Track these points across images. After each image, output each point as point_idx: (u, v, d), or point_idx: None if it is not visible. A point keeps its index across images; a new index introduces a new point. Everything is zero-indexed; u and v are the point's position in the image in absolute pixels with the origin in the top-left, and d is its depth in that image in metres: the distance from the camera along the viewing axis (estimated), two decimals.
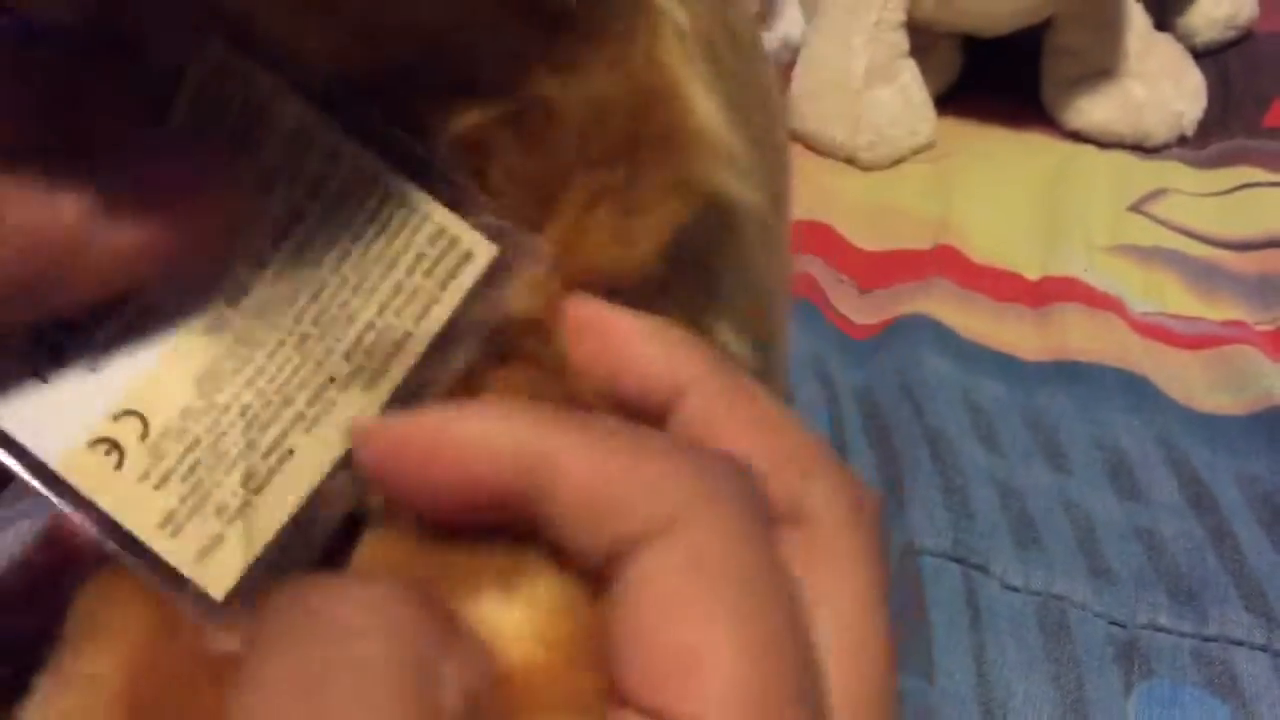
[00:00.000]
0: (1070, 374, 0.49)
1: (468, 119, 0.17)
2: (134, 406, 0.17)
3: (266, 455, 0.17)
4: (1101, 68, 0.73)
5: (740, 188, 0.18)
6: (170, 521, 0.17)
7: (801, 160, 0.71)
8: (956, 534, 0.40)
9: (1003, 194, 0.65)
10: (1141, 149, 0.70)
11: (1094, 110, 0.72)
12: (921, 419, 0.46)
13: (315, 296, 0.18)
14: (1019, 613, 0.38)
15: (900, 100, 0.72)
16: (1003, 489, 0.43)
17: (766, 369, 0.22)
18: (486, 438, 0.17)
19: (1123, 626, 0.37)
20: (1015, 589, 0.38)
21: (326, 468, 0.17)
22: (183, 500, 0.17)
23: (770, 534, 0.17)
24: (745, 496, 0.17)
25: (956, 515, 0.41)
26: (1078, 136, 0.72)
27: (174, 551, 0.17)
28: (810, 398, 0.49)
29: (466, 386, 0.18)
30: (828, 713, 0.17)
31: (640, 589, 0.17)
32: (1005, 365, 0.50)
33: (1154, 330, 0.52)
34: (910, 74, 0.73)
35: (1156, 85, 0.72)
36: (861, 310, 0.57)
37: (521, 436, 0.17)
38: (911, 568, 0.39)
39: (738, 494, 0.17)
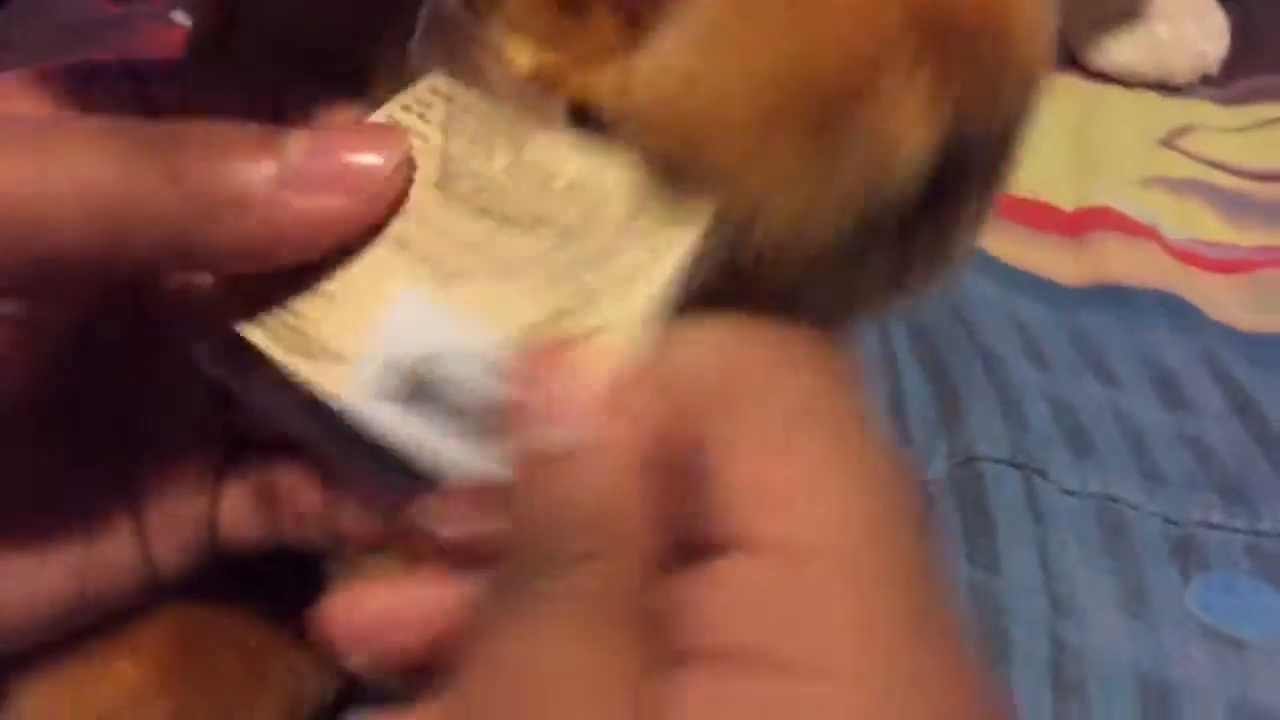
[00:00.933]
0: (1112, 296, 0.50)
1: None
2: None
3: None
4: (1125, 9, 0.74)
5: None
6: None
7: None
8: (1014, 442, 0.41)
9: (1032, 131, 0.66)
10: (1166, 88, 0.71)
11: (1118, 51, 0.73)
12: (974, 339, 0.47)
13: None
14: (1077, 513, 0.39)
15: None
16: (1054, 402, 0.44)
17: None
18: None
19: (1177, 524, 0.39)
20: (1072, 493, 0.40)
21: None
22: None
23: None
24: (833, 363, 0.19)
25: (1013, 426, 0.42)
26: (1102, 77, 0.73)
27: None
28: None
29: None
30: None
31: (737, 434, 0.17)
32: (1046, 289, 0.51)
33: (1189, 256, 0.53)
34: None
35: (1180, 25, 0.73)
36: None
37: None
38: (972, 474, 0.40)
39: (824, 364, 0.19)
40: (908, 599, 0.16)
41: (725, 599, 0.17)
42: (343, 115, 0.23)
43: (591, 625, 0.17)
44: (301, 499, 0.25)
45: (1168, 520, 0.39)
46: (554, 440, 0.17)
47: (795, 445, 0.17)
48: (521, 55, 0.20)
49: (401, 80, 0.22)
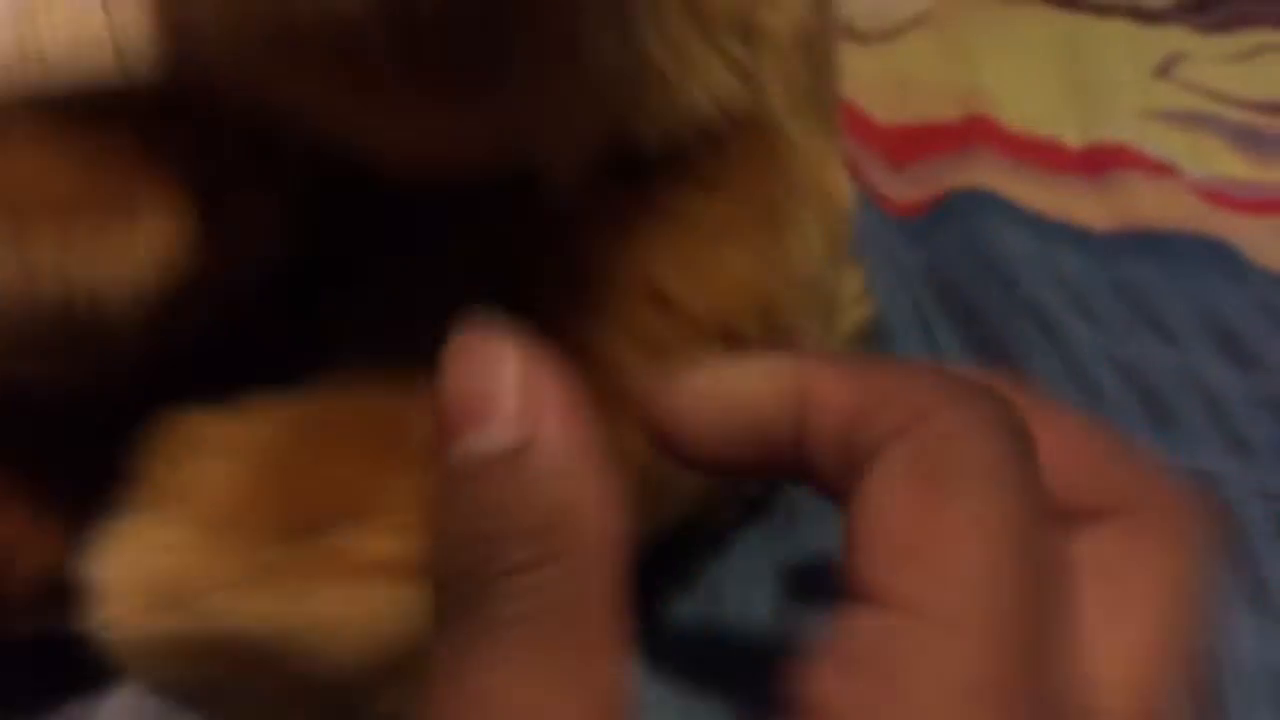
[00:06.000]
0: (1149, 242, 0.46)
1: None
2: None
3: None
4: None
5: None
6: None
7: None
8: (1095, 413, 0.37)
9: (1019, 63, 0.61)
10: (1141, 15, 0.67)
11: None
12: (1015, 294, 0.43)
13: None
14: None
15: None
16: (1117, 365, 0.40)
17: None
18: (755, 389, 0.18)
19: (1276, 499, 0.36)
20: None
21: None
22: None
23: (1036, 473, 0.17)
24: (992, 406, 0.17)
25: (1088, 394, 0.38)
26: (1070, 4, 0.69)
27: None
28: (883, 279, 0.45)
29: None
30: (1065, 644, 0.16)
31: (875, 484, 0.16)
32: (1079, 237, 0.47)
33: (1215, 195, 0.50)
34: None
35: None
36: (899, 187, 0.53)
37: (783, 381, 0.18)
38: None
39: (983, 403, 0.17)
40: (1032, 684, 0.15)
41: (843, 651, 0.16)
42: None
43: (551, 645, 0.16)
44: None
45: (1265, 495, 0.36)
46: (483, 445, 0.16)
47: (935, 493, 0.16)
48: None
49: None
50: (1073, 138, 0.54)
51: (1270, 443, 0.37)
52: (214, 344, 0.21)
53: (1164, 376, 0.39)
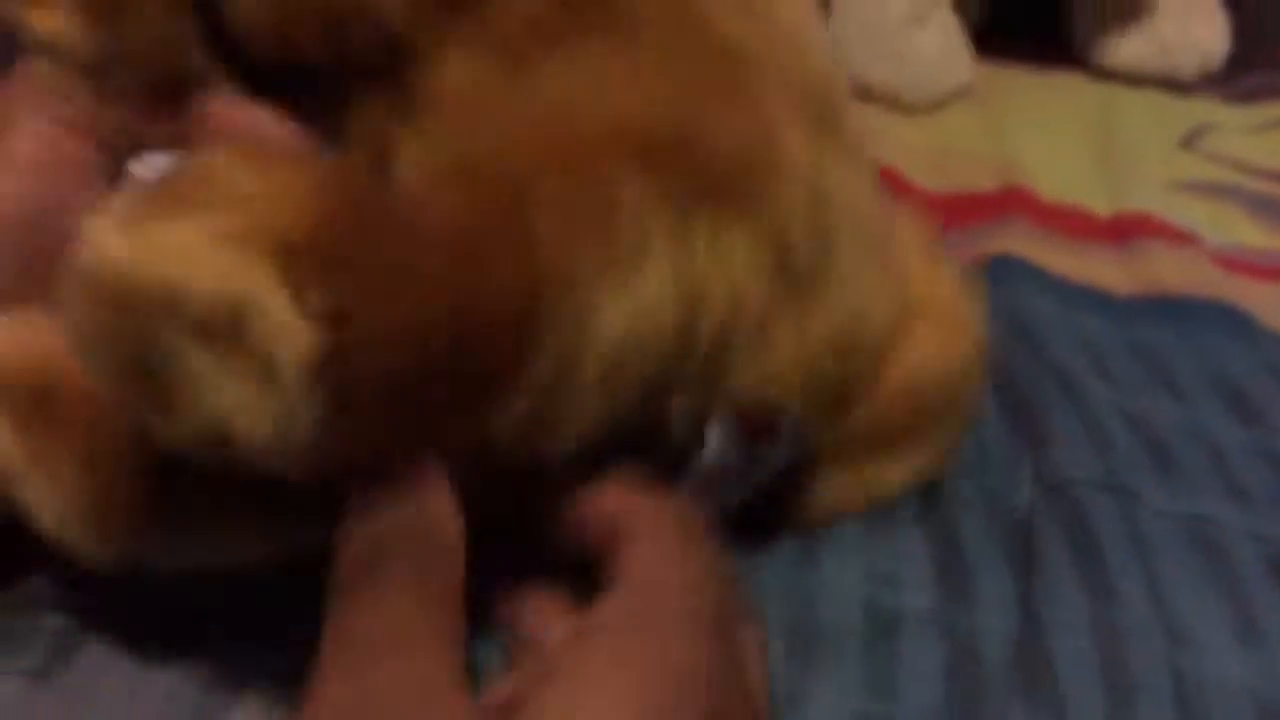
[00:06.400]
0: (1166, 307, 0.51)
1: None
2: None
3: None
4: (1130, 6, 0.75)
5: None
6: None
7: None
8: (1104, 464, 0.42)
9: (1054, 134, 0.66)
10: (1172, 86, 0.72)
11: (1125, 48, 0.74)
12: (1042, 356, 0.47)
13: None
14: (1173, 535, 0.40)
15: (941, 40, 0.73)
16: (1129, 420, 0.44)
17: None
18: None
19: (1267, 542, 0.40)
20: (1164, 513, 0.40)
21: None
22: None
23: None
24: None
25: (1101, 447, 0.43)
26: (1105, 75, 0.74)
27: None
28: None
29: None
30: None
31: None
32: (1101, 302, 0.52)
33: (1235, 264, 0.54)
34: (946, 14, 0.74)
35: (1183, 21, 0.74)
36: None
37: None
38: (1067, 499, 0.41)
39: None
40: None
41: None
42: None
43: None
44: None
45: (1258, 538, 0.40)
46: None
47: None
48: None
49: None
50: (1101, 206, 0.59)
51: (1266, 491, 0.42)
52: None
53: (1171, 430, 0.44)
